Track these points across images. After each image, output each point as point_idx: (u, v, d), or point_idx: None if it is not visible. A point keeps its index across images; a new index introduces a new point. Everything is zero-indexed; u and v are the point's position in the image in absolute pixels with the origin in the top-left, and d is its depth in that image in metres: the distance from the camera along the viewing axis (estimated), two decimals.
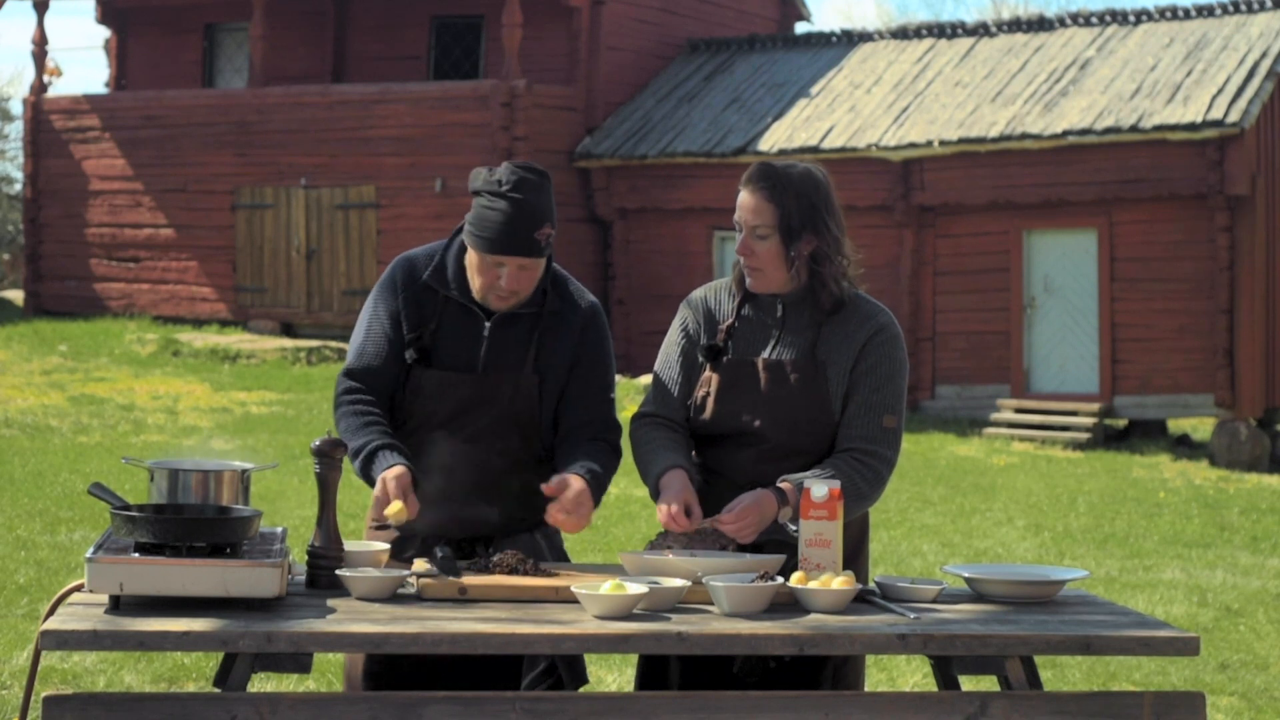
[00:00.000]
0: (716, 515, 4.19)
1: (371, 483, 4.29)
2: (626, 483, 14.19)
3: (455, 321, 4.38)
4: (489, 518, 4.40)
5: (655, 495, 4.30)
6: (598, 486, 4.28)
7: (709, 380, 4.34)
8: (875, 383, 4.27)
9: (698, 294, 4.48)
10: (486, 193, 4.29)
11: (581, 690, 4.28)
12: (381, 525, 4.48)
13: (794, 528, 4.18)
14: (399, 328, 4.39)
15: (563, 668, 4.28)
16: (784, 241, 4.26)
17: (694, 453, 4.40)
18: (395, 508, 4.13)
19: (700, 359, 4.37)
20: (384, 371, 4.40)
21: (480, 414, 4.34)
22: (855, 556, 4.36)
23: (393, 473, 4.19)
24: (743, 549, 4.20)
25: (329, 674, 7.21)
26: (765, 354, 4.32)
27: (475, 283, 4.35)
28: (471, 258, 4.34)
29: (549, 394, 4.40)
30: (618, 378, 23.15)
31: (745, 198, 4.29)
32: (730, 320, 4.37)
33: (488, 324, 4.37)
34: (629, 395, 21.56)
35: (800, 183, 4.28)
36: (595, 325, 4.46)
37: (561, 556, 4.53)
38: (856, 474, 4.21)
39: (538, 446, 4.42)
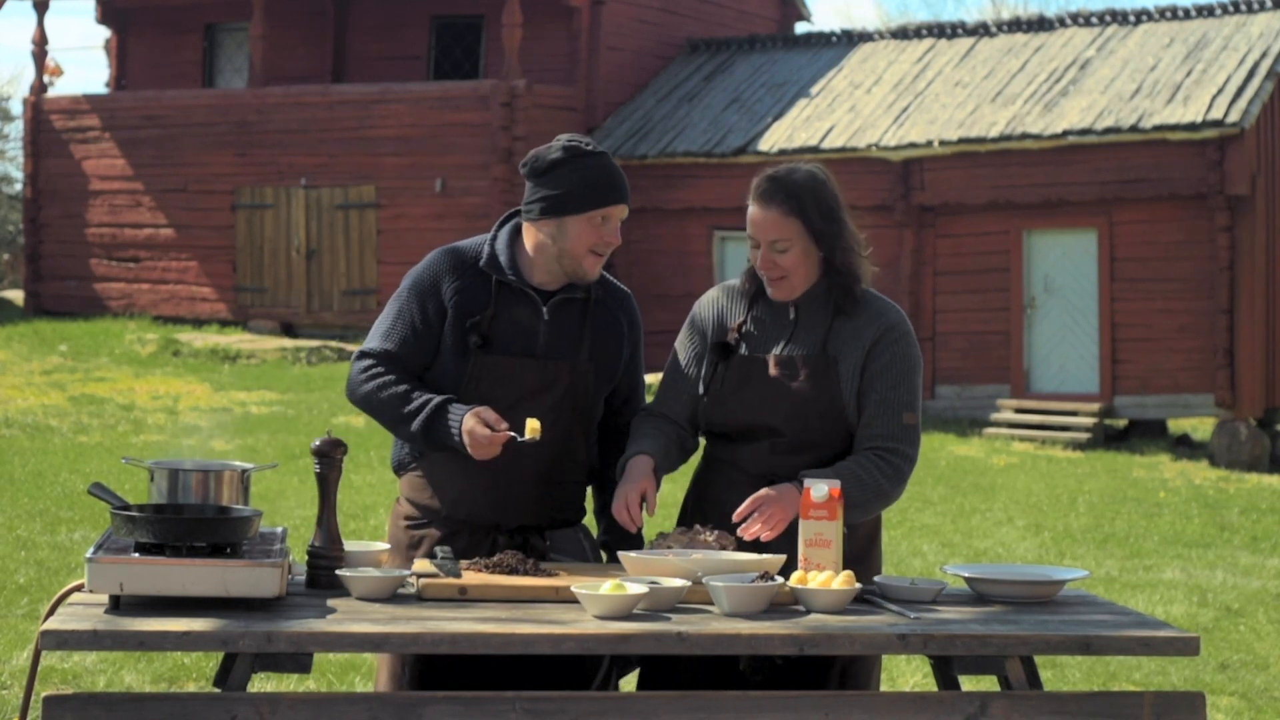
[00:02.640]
0: (723, 527, 4.21)
1: (438, 438, 4.26)
2: None
3: (512, 307, 4.37)
4: (542, 506, 4.39)
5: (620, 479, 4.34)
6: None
7: (721, 378, 4.36)
8: (892, 381, 4.29)
9: (709, 296, 4.51)
10: (573, 158, 4.32)
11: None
12: (417, 524, 4.44)
13: None
14: (437, 320, 4.36)
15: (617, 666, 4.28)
16: (820, 249, 4.30)
17: (710, 444, 4.42)
18: (536, 424, 4.15)
19: (712, 357, 4.39)
20: (404, 359, 4.39)
21: (540, 400, 4.33)
22: (867, 554, 4.36)
23: (479, 408, 4.21)
24: (743, 547, 4.21)
25: (329, 674, 7.20)
26: (777, 351, 4.34)
27: (573, 252, 4.32)
28: (565, 229, 4.32)
29: (602, 383, 4.43)
30: None
31: (762, 214, 4.30)
32: (741, 319, 4.39)
33: (546, 308, 4.38)
34: None
35: (812, 188, 4.31)
36: (637, 317, 4.54)
37: (597, 556, 4.53)
38: (879, 471, 4.23)
39: (587, 436, 4.44)
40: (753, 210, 4.32)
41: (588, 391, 4.40)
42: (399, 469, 4.51)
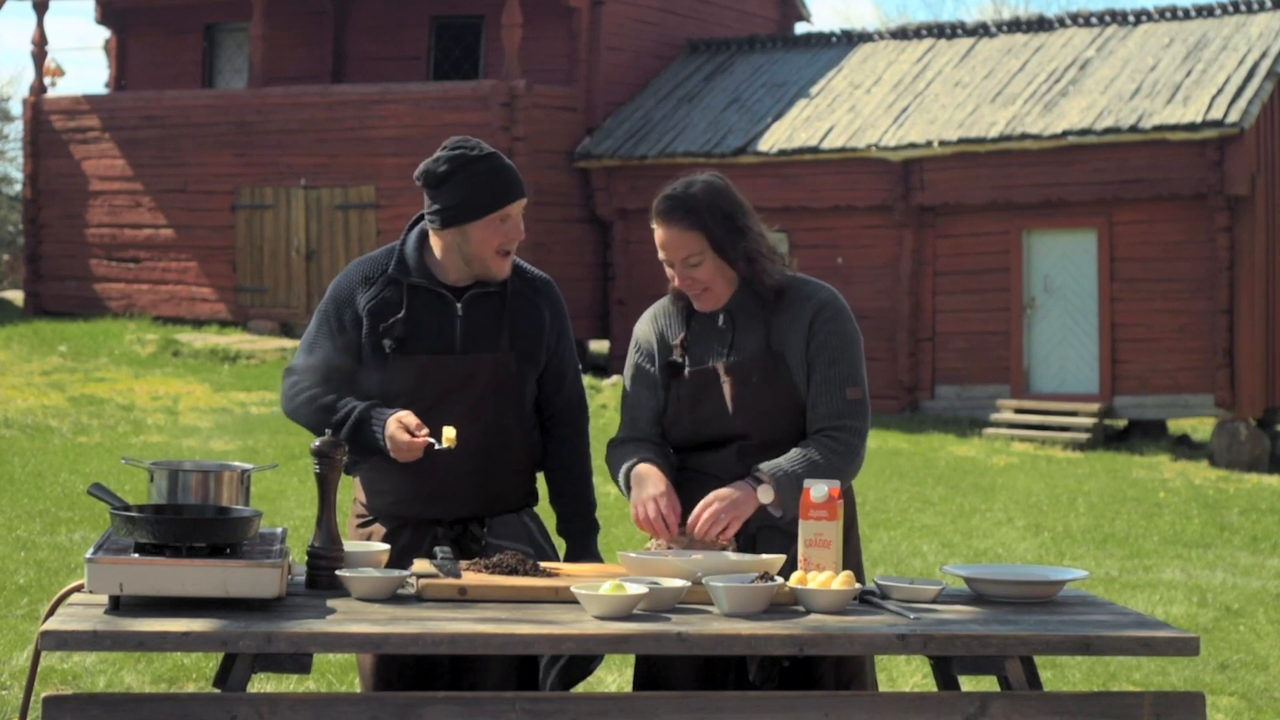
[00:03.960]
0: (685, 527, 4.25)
1: (366, 444, 4.34)
2: None
3: (425, 307, 4.43)
4: (479, 497, 4.44)
5: (626, 491, 4.36)
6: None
7: (676, 396, 4.40)
8: (830, 358, 4.33)
9: (645, 317, 4.54)
10: (463, 165, 4.37)
11: (582, 689, 4.29)
12: (365, 523, 4.51)
13: (778, 514, 4.25)
14: (354, 330, 4.44)
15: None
16: (722, 258, 4.32)
17: (676, 458, 4.45)
18: (452, 432, 4.21)
19: (661, 378, 4.43)
20: (328, 371, 4.47)
21: (463, 394, 4.40)
22: (844, 546, 4.37)
23: (401, 413, 4.29)
24: (742, 548, 4.23)
25: (329, 674, 7.21)
26: (724, 360, 4.37)
27: (479, 256, 4.39)
28: (468, 237, 4.39)
29: (527, 371, 4.48)
30: (615, 378, 23.16)
31: (666, 233, 4.34)
32: (682, 335, 4.43)
33: (459, 304, 4.42)
34: None
35: (709, 198, 4.33)
36: (560, 303, 4.59)
37: (547, 540, 4.58)
38: (831, 452, 4.27)
39: (519, 424, 4.48)
40: (657, 232, 4.36)
41: (512, 381, 4.44)
42: (347, 470, 4.56)
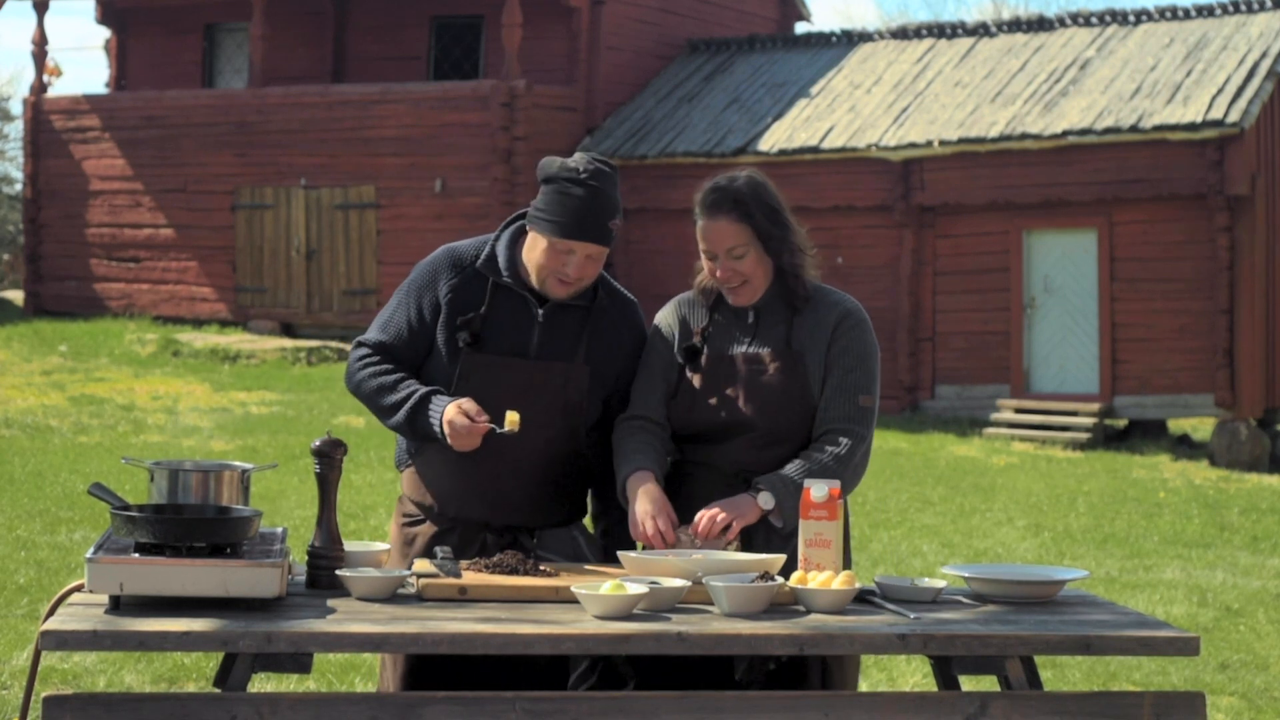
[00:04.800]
0: (688, 525, 4.27)
1: (421, 428, 4.29)
2: None
3: (506, 308, 4.39)
4: (532, 507, 4.41)
5: (623, 498, 4.37)
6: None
7: (691, 380, 4.41)
8: (848, 365, 4.37)
9: (668, 307, 4.58)
10: (563, 179, 4.31)
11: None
12: (413, 521, 4.47)
13: (779, 523, 4.27)
14: (431, 317, 4.39)
15: (621, 666, 4.29)
16: (768, 252, 4.37)
17: (678, 448, 4.46)
18: (515, 416, 4.16)
19: (679, 361, 4.45)
20: (399, 351, 4.42)
21: (531, 400, 4.33)
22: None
23: (461, 399, 4.23)
24: (743, 547, 4.24)
25: (329, 674, 7.21)
26: (743, 350, 4.41)
27: (537, 268, 4.35)
28: (536, 243, 4.35)
29: (597, 387, 4.44)
30: None
31: (713, 224, 4.37)
32: (705, 324, 4.46)
33: (540, 311, 4.39)
34: None
35: (755, 192, 4.38)
36: (641, 327, 4.56)
37: (595, 553, 4.53)
38: (832, 458, 4.29)
39: (580, 439, 4.44)
40: (703, 223, 4.39)
41: (581, 395, 4.40)
42: (399, 465, 4.56)
